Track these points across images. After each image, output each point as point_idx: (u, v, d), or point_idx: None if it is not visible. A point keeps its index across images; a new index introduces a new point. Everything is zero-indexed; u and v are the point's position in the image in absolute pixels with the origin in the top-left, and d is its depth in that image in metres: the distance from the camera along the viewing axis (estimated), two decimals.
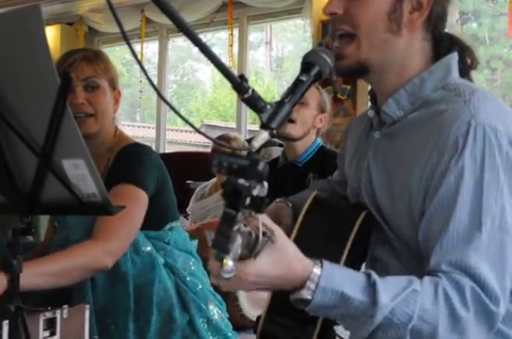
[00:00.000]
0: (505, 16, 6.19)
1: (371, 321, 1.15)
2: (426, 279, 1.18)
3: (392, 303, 1.14)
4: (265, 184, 0.99)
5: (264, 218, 1.11)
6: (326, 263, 1.18)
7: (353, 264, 1.23)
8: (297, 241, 1.36)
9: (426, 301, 1.15)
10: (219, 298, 2.22)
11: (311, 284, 1.15)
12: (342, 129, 5.41)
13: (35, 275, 1.66)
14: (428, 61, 1.39)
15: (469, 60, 1.42)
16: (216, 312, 2.14)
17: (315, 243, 1.35)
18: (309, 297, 1.15)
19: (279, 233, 1.13)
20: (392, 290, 1.16)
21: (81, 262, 1.80)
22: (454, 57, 1.39)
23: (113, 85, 2.14)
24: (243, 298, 3.08)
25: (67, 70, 2.04)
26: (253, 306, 3.07)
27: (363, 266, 1.48)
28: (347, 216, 1.40)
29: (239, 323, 2.58)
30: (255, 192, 0.97)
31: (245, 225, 1.07)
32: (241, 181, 0.97)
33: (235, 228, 0.98)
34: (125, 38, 1.09)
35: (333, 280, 1.16)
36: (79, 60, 2.07)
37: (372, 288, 1.15)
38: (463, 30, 13.63)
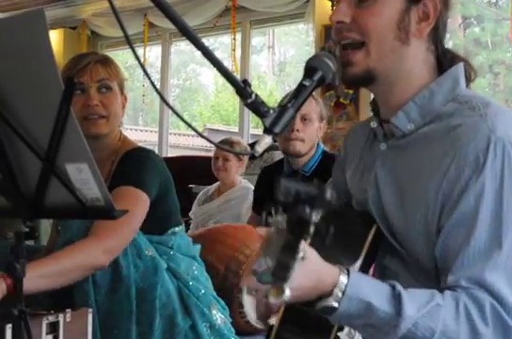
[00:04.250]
0: (508, 21, 6.19)
1: (394, 332, 1.16)
2: (447, 293, 1.19)
3: (416, 316, 1.15)
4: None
5: None
6: (352, 271, 1.19)
7: (362, 272, 1.23)
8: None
9: (448, 316, 1.16)
10: (222, 302, 2.22)
11: (338, 292, 1.15)
12: (344, 133, 5.42)
13: (35, 277, 1.66)
14: (432, 73, 1.39)
15: (467, 73, 1.42)
16: (219, 316, 2.14)
17: (327, 253, 1.35)
18: (335, 304, 1.16)
19: (305, 246, 1.12)
20: (416, 303, 1.16)
21: (78, 261, 1.79)
22: (460, 68, 1.39)
23: (121, 89, 2.16)
24: (248, 304, 3.07)
25: (81, 72, 2.06)
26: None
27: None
28: (358, 228, 1.40)
29: (244, 329, 2.57)
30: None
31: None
32: (308, 210, 0.96)
33: (297, 257, 0.96)
34: (128, 42, 1.10)
35: (359, 289, 1.16)
36: (93, 62, 2.09)
37: (397, 299, 1.16)
38: (466, 35, 13.63)
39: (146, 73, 1.15)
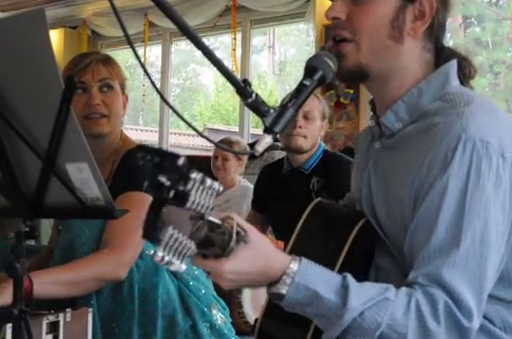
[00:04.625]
0: (508, 20, 6.19)
1: (339, 322, 1.17)
2: (403, 289, 1.19)
3: (361, 307, 1.16)
4: (195, 178, 1.01)
5: (238, 219, 1.15)
6: (304, 260, 1.20)
7: (355, 271, 1.24)
8: (295, 246, 1.37)
9: (397, 311, 1.16)
10: (223, 302, 2.22)
11: (286, 279, 1.18)
12: (345, 133, 5.44)
13: (49, 283, 1.67)
14: (427, 71, 1.38)
15: (467, 70, 1.41)
16: (220, 316, 2.14)
17: (312, 248, 1.36)
18: (283, 291, 1.18)
19: (252, 231, 1.17)
20: (364, 295, 1.17)
21: (96, 272, 1.81)
22: (452, 65, 1.38)
23: (123, 88, 2.16)
24: (247, 304, 3.07)
25: (83, 71, 2.06)
26: (257, 313, 3.06)
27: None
28: (346, 223, 1.41)
29: (243, 329, 2.58)
30: (179, 187, 1.00)
31: (219, 226, 1.09)
32: (162, 176, 1.00)
33: (163, 218, 1.01)
34: (129, 41, 1.10)
35: (308, 277, 1.18)
36: (95, 62, 2.09)
37: (344, 290, 1.17)
38: (466, 34, 13.63)
39: (146, 73, 1.15)
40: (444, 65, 1.37)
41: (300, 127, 3.13)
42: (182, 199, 1.00)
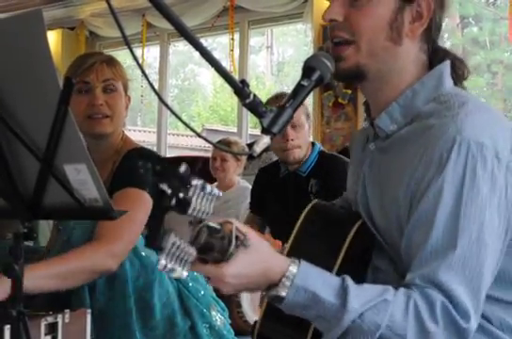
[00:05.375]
0: (506, 20, 6.19)
1: (339, 324, 1.17)
2: (401, 290, 1.20)
3: (360, 309, 1.16)
4: (196, 184, 1.02)
5: (236, 223, 1.15)
6: (303, 262, 1.21)
7: (352, 273, 1.24)
8: (293, 248, 1.38)
9: (396, 312, 1.17)
10: (222, 304, 2.22)
11: (286, 282, 1.18)
12: (343, 133, 5.44)
13: (40, 277, 1.67)
14: (422, 72, 1.38)
15: (460, 71, 1.41)
16: (219, 318, 2.14)
17: (310, 250, 1.36)
18: (283, 294, 1.18)
19: (252, 236, 1.17)
20: (364, 296, 1.18)
21: (86, 264, 1.80)
22: (445, 66, 1.38)
23: (126, 89, 2.17)
24: (246, 304, 3.08)
25: (87, 71, 2.06)
26: (256, 312, 3.07)
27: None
28: (343, 224, 1.41)
29: (242, 329, 2.58)
30: (181, 195, 1.01)
31: (218, 231, 1.10)
32: (164, 184, 1.01)
33: (166, 227, 1.03)
34: (126, 42, 1.10)
35: (308, 279, 1.18)
36: (99, 62, 2.10)
37: (344, 292, 1.18)
38: (464, 34, 13.64)
39: (144, 74, 1.15)
40: (438, 66, 1.37)
41: (293, 140, 3.13)
42: (183, 206, 1.00)
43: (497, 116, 1.33)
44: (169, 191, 1.00)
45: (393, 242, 1.33)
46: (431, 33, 1.37)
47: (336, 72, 1.34)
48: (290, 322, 1.29)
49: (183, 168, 1.01)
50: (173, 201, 1.00)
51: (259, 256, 1.16)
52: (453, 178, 1.22)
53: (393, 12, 1.33)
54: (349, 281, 1.19)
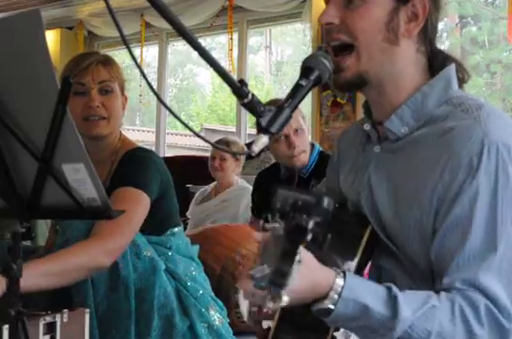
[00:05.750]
0: (505, 20, 6.19)
1: (390, 334, 1.17)
2: (443, 295, 1.20)
3: (411, 317, 1.16)
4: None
5: None
6: (348, 274, 1.19)
7: (357, 273, 1.24)
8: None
9: (444, 318, 1.17)
10: (220, 303, 2.22)
11: (334, 295, 1.16)
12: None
13: (36, 275, 1.66)
14: (423, 74, 1.38)
15: (461, 75, 1.41)
16: (217, 317, 2.14)
17: (322, 256, 1.35)
18: (331, 306, 1.16)
19: (301, 249, 1.13)
20: (411, 304, 1.17)
21: (79, 261, 1.80)
22: (452, 70, 1.38)
23: (122, 90, 2.16)
24: (244, 304, 3.07)
25: (83, 72, 2.06)
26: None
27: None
28: (353, 229, 1.40)
29: (240, 328, 2.57)
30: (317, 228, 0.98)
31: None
32: (305, 218, 0.97)
33: (295, 264, 0.97)
34: (125, 42, 1.09)
35: (355, 291, 1.17)
36: (95, 63, 2.09)
37: (393, 301, 1.17)
38: (462, 34, 13.64)
39: (143, 74, 1.15)
40: (445, 69, 1.38)
41: (298, 146, 3.16)
42: (320, 240, 0.97)
43: (509, 118, 1.34)
44: (311, 226, 0.95)
45: (405, 245, 1.33)
46: (427, 33, 1.37)
47: (337, 83, 1.34)
48: (307, 328, 1.28)
49: (325, 201, 0.97)
50: (309, 237, 0.96)
51: (307, 270, 1.13)
52: (486, 182, 1.22)
53: (389, 13, 1.33)
54: (395, 289, 1.19)
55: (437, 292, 1.21)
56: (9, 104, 1.23)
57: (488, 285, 1.19)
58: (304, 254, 1.12)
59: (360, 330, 1.22)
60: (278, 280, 0.95)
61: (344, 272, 1.19)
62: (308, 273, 1.14)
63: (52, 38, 7.19)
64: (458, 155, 1.25)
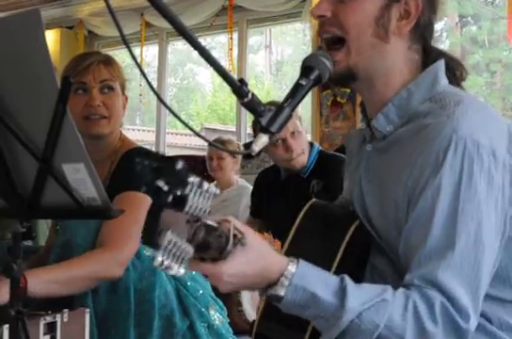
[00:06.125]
0: (505, 19, 6.19)
1: (338, 324, 1.17)
2: (400, 290, 1.20)
3: (359, 308, 1.16)
4: (193, 182, 1.02)
5: (235, 222, 1.15)
6: (302, 262, 1.20)
7: (350, 272, 1.24)
8: (291, 246, 1.37)
9: (395, 312, 1.17)
10: (220, 303, 2.22)
11: (284, 281, 1.18)
12: (342, 132, 5.44)
13: (46, 282, 1.67)
14: (415, 72, 1.38)
15: (458, 72, 1.41)
16: (217, 317, 2.14)
17: (308, 249, 1.36)
18: (282, 293, 1.18)
19: (250, 234, 1.17)
20: (362, 296, 1.17)
21: (91, 271, 1.81)
22: (440, 65, 1.38)
23: (123, 89, 2.16)
24: (247, 302, 3.07)
25: (84, 71, 2.06)
26: (256, 311, 3.06)
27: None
28: (341, 223, 1.41)
29: (241, 327, 2.58)
30: (177, 192, 1.01)
31: (216, 229, 1.09)
32: (159, 180, 1.01)
33: (161, 222, 1.04)
34: (125, 41, 1.10)
35: (306, 279, 1.18)
36: (96, 63, 2.09)
37: (342, 291, 1.17)
38: (462, 33, 13.64)
39: (143, 73, 1.15)
40: (432, 65, 1.37)
41: (296, 149, 3.15)
42: (180, 203, 1.00)
43: (492, 114, 1.33)
44: (166, 188, 0.99)
45: (392, 242, 1.33)
46: (420, 32, 1.37)
47: (329, 77, 1.34)
48: (288, 321, 1.29)
49: (179, 165, 1.01)
50: (170, 198, 1.00)
51: (256, 255, 1.16)
52: (450, 177, 1.21)
53: (380, 9, 1.33)
54: (348, 280, 1.19)
55: (397, 287, 1.20)
56: (9, 103, 1.23)
57: (447, 283, 1.17)
58: (253, 239, 1.16)
59: (315, 319, 1.22)
60: (148, 237, 1.03)
61: (299, 260, 1.20)
62: (256, 257, 1.16)
63: (52, 37, 7.18)
64: (428, 151, 1.24)
